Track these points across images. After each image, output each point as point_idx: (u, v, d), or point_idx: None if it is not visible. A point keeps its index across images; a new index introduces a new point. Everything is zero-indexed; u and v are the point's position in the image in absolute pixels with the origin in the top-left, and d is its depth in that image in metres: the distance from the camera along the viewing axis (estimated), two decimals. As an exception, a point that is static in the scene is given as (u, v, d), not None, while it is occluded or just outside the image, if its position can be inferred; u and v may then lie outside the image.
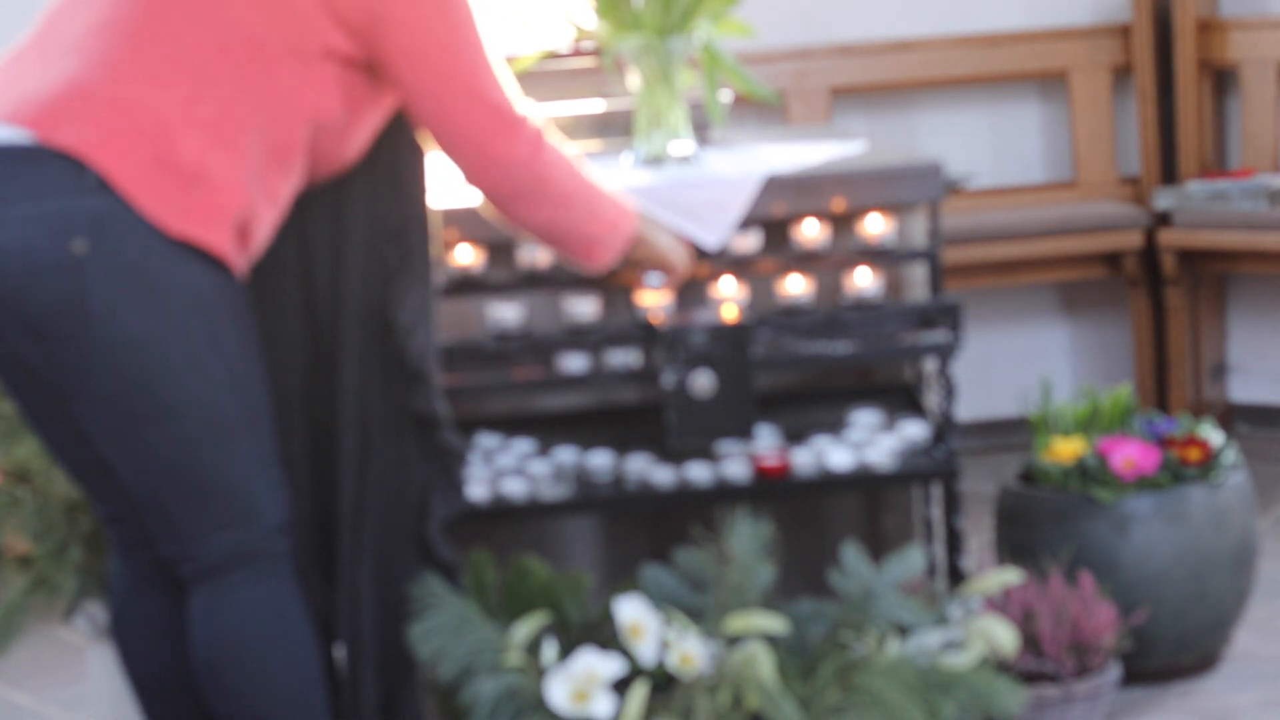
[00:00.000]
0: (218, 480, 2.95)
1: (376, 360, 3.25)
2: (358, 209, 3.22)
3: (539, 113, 3.18)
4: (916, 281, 3.84)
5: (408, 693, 3.32)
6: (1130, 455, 3.84)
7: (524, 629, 3.23)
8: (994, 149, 5.80)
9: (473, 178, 3.15)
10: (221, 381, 2.92)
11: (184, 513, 2.96)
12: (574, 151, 3.27)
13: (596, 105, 4.16)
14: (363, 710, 3.27)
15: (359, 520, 3.26)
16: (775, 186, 3.69)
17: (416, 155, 3.25)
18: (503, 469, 3.70)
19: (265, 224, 2.99)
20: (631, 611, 3.21)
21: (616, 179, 3.66)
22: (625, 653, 3.22)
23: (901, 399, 3.89)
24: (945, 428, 3.67)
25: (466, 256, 3.66)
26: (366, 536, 3.26)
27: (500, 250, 3.70)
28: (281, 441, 3.10)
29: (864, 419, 3.80)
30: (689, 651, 3.17)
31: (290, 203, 3.09)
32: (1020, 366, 5.77)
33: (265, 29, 2.94)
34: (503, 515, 3.61)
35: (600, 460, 3.67)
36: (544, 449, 3.78)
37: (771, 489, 3.64)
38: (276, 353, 3.19)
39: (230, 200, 2.90)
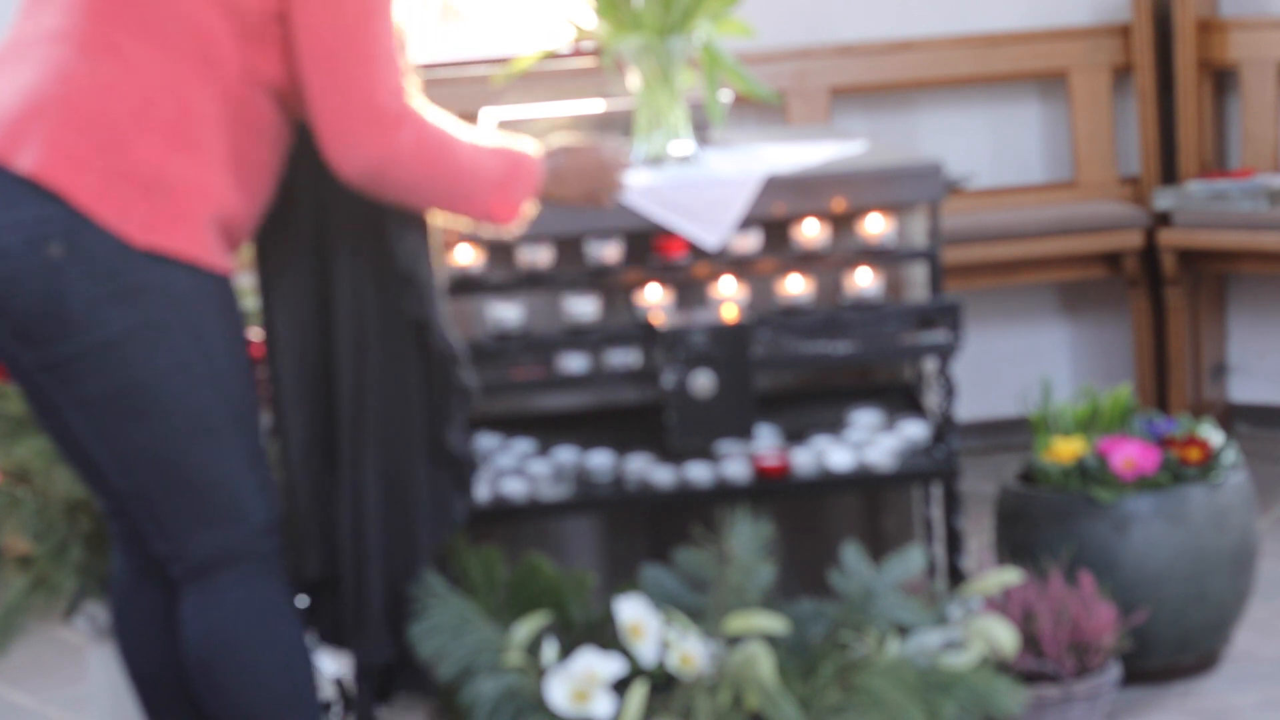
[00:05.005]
0: (202, 479, 2.95)
1: (370, 265, 3.22)
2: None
3: (419, 97, 3.09)
4: (916, 281, 3.84)
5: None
6: (1130, 455, 3.84)
7: (524, 629, 3.23)
8: (994, 149, 5.80)
9: (348, 165, 3.02)
10: (204, 378, 2.92)
11: (171, 512, 2.97)
12: (456, 122, 3.14)
13: (596, 105, 4.16)
14: (367, 615, 3.23)
15: (360, 420, 3.22)
16: (775, 186, 3.69)
17: None
18: (503, 469, 3.70)
19: (251, 207, 2.99)
20: (632, 611, 3.21)
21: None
22: (625, 653, 3.22)
23: (901, 399, 3.89)
24: (945, 428, 3.67)
25: (466, 256, 3.66)
26: (368, 435, 3.22)
27: (500, 250, 3.70)
28: (290, 363, 3.10)
29: (864, 419, 3.80)
30: (689, 651, 3.17)
31: (283, 164, 3.08)
32: (1020, 366, 5.77)
33: (202, 13, 2.92)
34: (503, 515, 3.62)
35: (600, 460, 3.68)
36: (544, 449, 3.78)
37: (771, 489, 3.64)
38: (288, 278, 3.19)
39: (198, 204, 2.91)
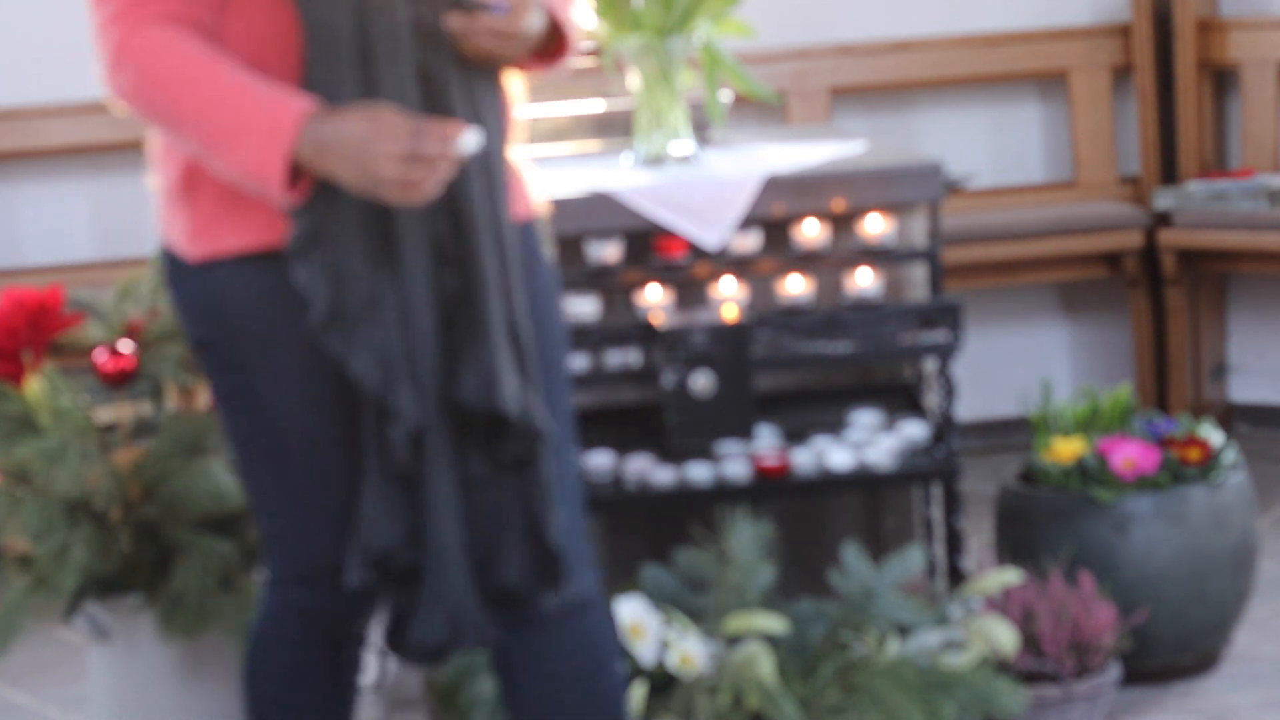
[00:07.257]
0: (250, 504, 2.86)
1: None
2: None
3: (170, 25, 2.62)
4: (916, 281, 3.84)
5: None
6: (1130, 455, 3.84)
7: (524, 629, 3.23)
8: (994, 149, 5.80)
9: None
10: (240, 408, 2.74)
11: None
12: (219, 60, 2.60)
13: (596, 105, 4.16)
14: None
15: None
16: (775, 186, 3.69)
17: None
18: (503, 469, 3.70)
19: None
20: (631, 611, 3.21)
21: (618, 179, 3.67)
22: (625, 653, 3.22)
23: (901, 399, 3.89)
24: (945, 428, 3.67)
25: (466, 256, 3.65)
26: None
27: (500, 250, 3.70)
28: None
29: (864, 419, 3.80)
30: (689, 651, 3.17)
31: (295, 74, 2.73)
32: (1020, 366, 5.77)
33: None
34: (503, 515, 3.61)
35: (600, 460, 3.67)
36: (544, 449, 3.77)
37: (771, 489, 3.64)
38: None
39: (222, 183, 2.68)
